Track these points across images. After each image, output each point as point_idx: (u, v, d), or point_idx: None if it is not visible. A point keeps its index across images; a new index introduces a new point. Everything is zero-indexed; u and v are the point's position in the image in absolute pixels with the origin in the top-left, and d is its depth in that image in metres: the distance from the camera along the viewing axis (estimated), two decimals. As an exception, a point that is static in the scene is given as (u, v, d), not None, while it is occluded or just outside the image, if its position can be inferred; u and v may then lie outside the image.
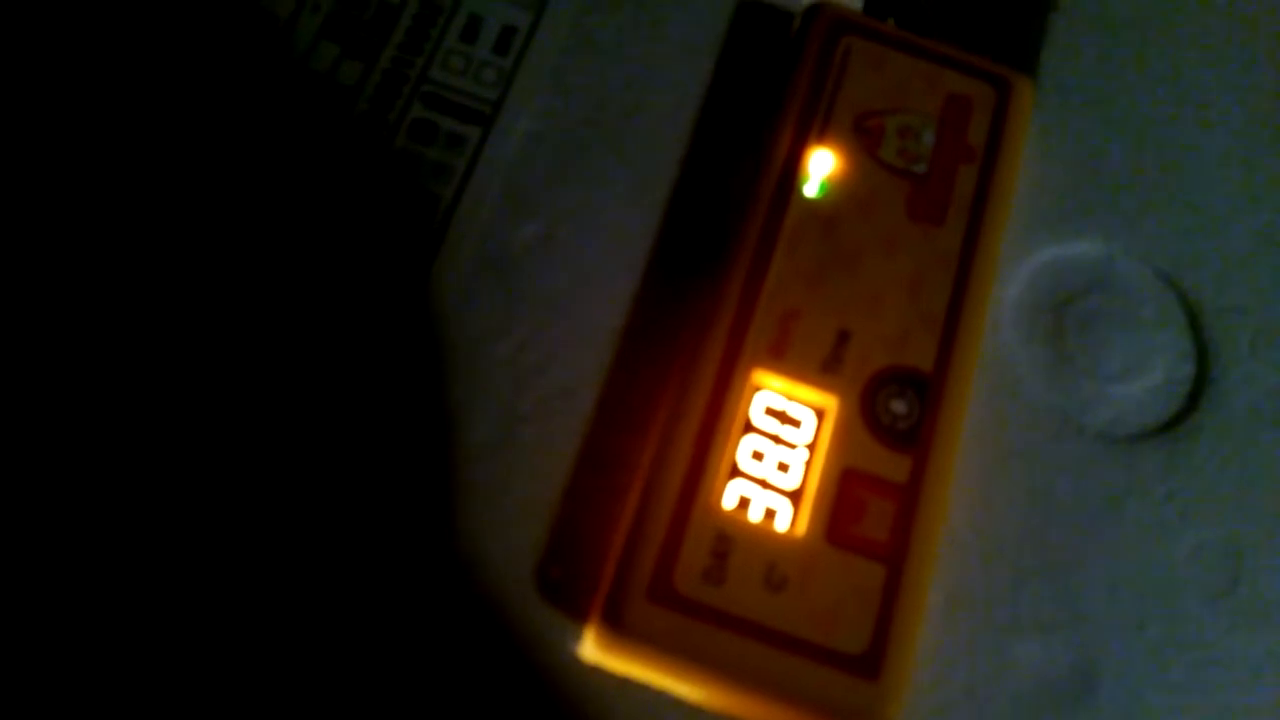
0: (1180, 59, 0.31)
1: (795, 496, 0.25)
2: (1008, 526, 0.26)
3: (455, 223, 0.27)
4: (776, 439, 0.25)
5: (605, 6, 0.30)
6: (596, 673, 0.24)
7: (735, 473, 0.25)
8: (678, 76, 0.29)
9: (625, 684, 0.24)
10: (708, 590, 0.24)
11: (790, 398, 0.25)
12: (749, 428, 0.25)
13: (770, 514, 0.24)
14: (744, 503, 0.24)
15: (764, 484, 0.25)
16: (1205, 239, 0.29)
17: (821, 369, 0.26)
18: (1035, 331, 0.28)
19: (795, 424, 0.25)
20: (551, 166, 0.28)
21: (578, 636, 0.24)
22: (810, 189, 0.27)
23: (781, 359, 0.26)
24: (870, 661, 0.23)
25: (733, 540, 0.24)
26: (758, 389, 0.25)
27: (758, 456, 0.25)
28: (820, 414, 0.25)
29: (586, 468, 0.25)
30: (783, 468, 0.25)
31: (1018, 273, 0.29)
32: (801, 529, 0.24)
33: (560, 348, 0.26)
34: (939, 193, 0.28)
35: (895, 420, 0.25)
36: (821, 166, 0.27)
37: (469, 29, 0.29)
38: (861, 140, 0.28)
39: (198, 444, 0.25)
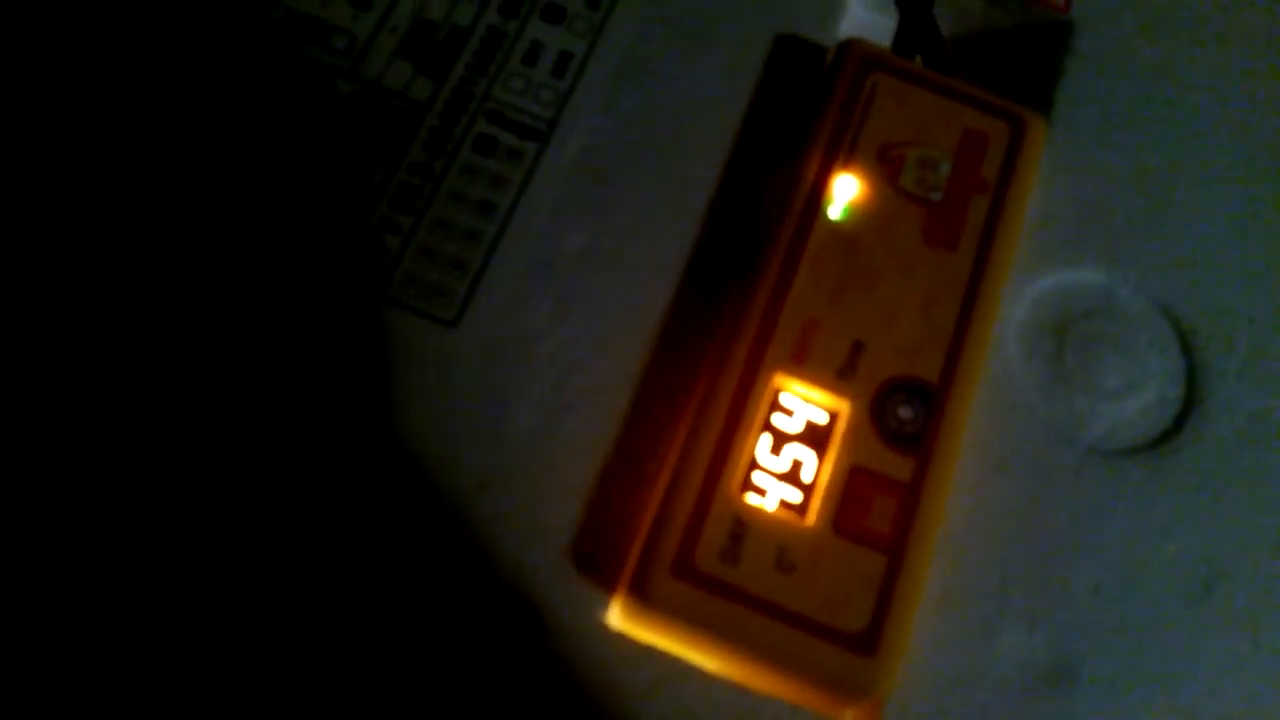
0: (1182, 104, 0.33)
1: (807, 489, 0.27)
2: (1001, 527, 0.29)
3: (510, 229, 0.30)
4: (793, 437, 0.28)
5: (655, 37, 0.33)
6: (620, 639, 0.27)
7: (754, 465, 0.27)
8: (718, 102, 0.32)
9: (646, 650, 0.27)
10: (725, 569, 0.26)
11: (807, 400, 0.28)
12: (768, 425, 0.28)
13: (784, 504, 0.27)
14: (761, 492, 0.27)
15: (779, 476, 0.27)
16: (1199, 272, 0.32)
17: (837, 375, 0.28)
18: (1037, 350, 0.31)
19: (810, 424, 0.28)
20: (599, 182, 0.31)
21: (606, 606, 0.27)
22: (834, 211, 0.30)
23: (801, 365, 0.28)
24: (868, 640, 0.26)
25: (749, 525, 0.27)
26: (778, 390, 0.28)
27: (775, 451, 0.28)
28: (834, 416, 0.28)
29: (620, 455, 0.28)
30: (797, 463, 0.27)
31: (1023, 296, 0.31)
32: (811, 519, 0.27)
33: (600, 346, 0.29)
34: (953, 220, 0.30)
35: (902, 425, 0.28)
36: (846, 191, 0.30)
37: (530, 54, 0.32)
38: (884, 168, 0.31)
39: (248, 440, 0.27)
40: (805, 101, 0.32)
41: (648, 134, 0.32)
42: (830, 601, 0.26)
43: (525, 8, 0.32)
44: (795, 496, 0.27)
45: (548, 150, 0.31)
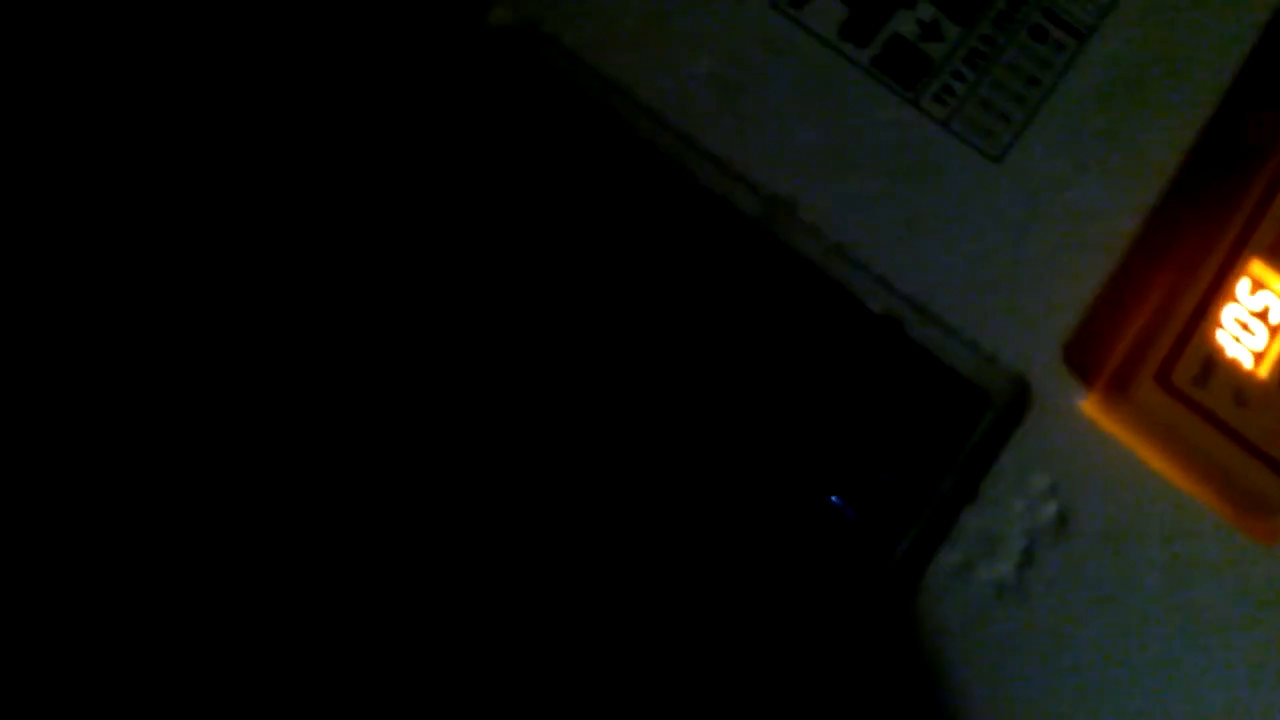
0: None
1: (1266, 348, 0.34)
2: None
3: (1049, 102, 0.37)
4: (1259, 312, 0.34)
5: (1188, -22, 0.39)
6: (1089, 427, 0.34)
7: (1227, 319, 0.34)
8: (1229, 35, 0.39)
9: (1105, 441, 0.34)
10: (1194, 390, 0.33)
11: (1273, 291, 0.35)
12: (1241, 292, 0.34)
13: (1248, 354, 0.34)
14: (1231, 341, 0.34)
15: (1245, 333, 0.34)
16: None
17: (1307, 272, 0.35)
18: None
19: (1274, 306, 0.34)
20: (1126, 78, 0.38)
21: (1083, 398, 0.34)
22: (1329, 143, 0.36)
23: (1276, 257, 0.35)
24: (1297, 473, 0.33)
25: (1218, 362, 0.34)
26: (1253, 273, 0.35)
27: (1244, 317, 0.34)
28: (1297, 302, 0.34)
29: (1114, 285, 0.35)
30: (1261, 327, 0.34)
31: None
32: (1265, 371, 0.34)
33: (1112, 199, 0.36)
34: None
35: (1353, 322, 0.34)
36: (1338, 131, 0.36)
37: (1086, -31, 0.39)
38: (1372, 121, 0.36)
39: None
40: (1309, 55, 0.38)
41: (1170, 48, 0.38)
42: (1273, 437, 0.33)
43: (1086, -68, 0.39)
44: (1257, 349, 0.34)
45: (1086, 48, 0.38)
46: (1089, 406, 0.34)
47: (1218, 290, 0.34)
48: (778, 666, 0.33)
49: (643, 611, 0.33)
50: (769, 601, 0.34)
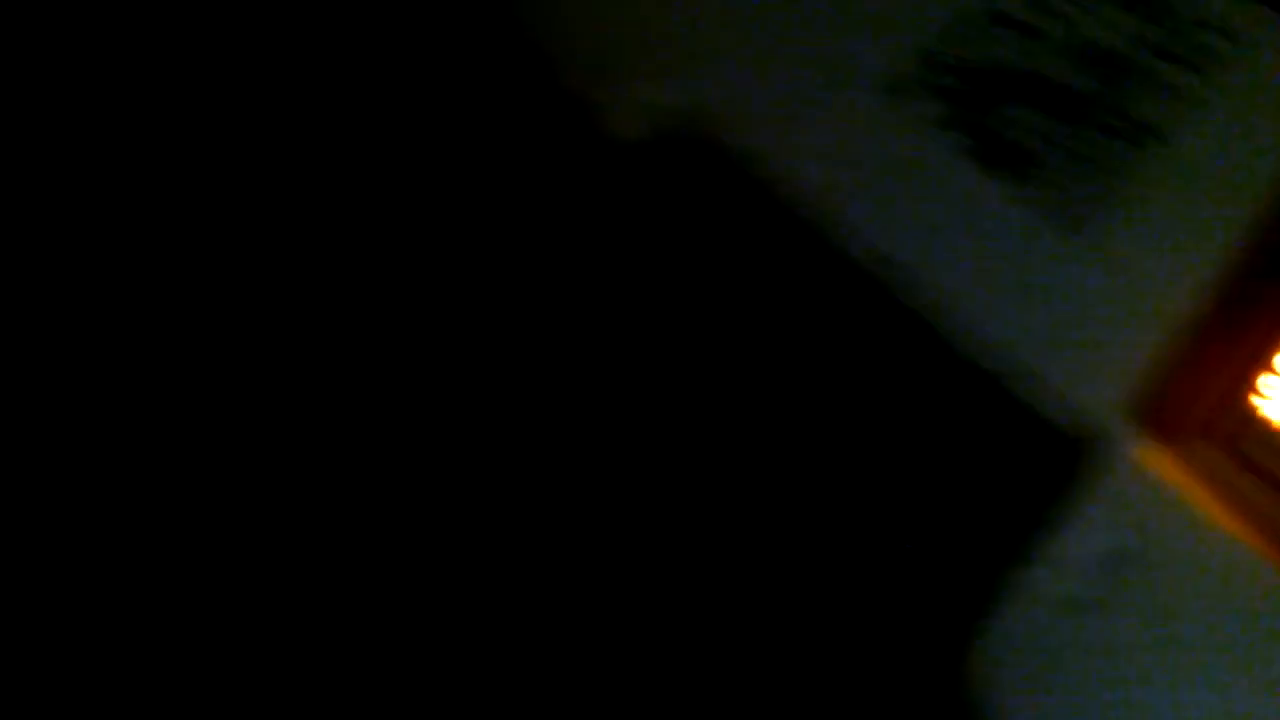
0: None
1: (1300, 415, 0.40)
2: None
3: (1128, 186, 0.44)
4: (1297, 381, 0.41)
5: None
6: (1148, 473, 0.41)
7: (1267, 389, 0.40)
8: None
9: (1154, 486, 0.41)
10: (1242, 443, 0.40)
11: (1311, 360, 0.41)
12: (1283, 366, 0.41)
13: (1283, 418, 0.40)
14: (1269, 407, 0.40)
15: (1284, 400, 0.41)
16: None
17: (1341, 348, 0.41)
18: None
19: (1310, 375, 0.41)
20: (1196, 170, 0.44)
21: (1143, 446, 0.41)
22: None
23: (1314, 335, 0.41)
24: (1323, 518, 0.39)
25: (1256, 422, 0.40)
26: (1293, 347, 0.41)
27: (1284, 383, 0.41)
28: (1330, 374, 0.41)
29: (1178, 346, 0.42)
30: (1299, 396, 0.41)
31: None
32: (1300, 434, 0.40)
33: (1174, 274, 0.43)
34: None
35: (1377, 393, 0.40)
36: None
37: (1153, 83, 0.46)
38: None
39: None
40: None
41: (1237, 146, 0.45)
42: (1303, 488, 0.39)
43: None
44: (1292, 416, 0.40)
45: (1161, 141, 0.45)
46: (1148, 453, 0.41)
47: (1266, 357, 0.41)
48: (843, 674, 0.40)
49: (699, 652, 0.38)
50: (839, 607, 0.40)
